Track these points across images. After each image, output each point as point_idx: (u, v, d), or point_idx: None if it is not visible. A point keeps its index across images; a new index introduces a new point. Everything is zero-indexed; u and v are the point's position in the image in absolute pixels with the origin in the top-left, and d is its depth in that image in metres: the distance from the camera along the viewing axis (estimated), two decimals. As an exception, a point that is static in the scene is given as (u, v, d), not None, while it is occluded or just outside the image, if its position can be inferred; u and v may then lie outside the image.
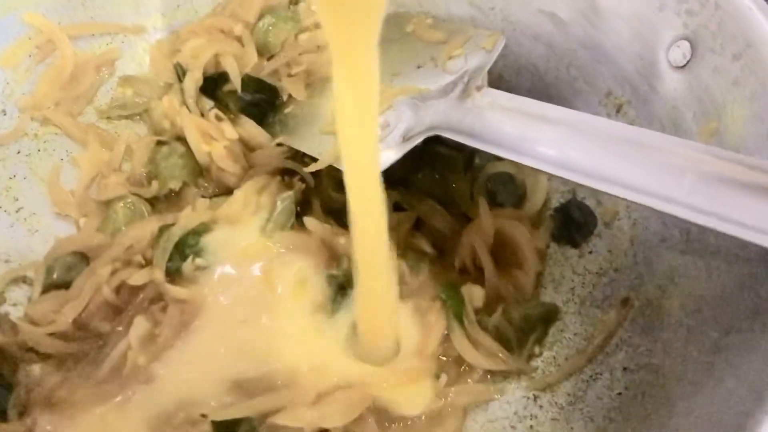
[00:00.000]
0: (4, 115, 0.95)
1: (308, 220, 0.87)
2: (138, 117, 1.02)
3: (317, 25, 1.01)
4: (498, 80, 0.99)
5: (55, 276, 0.86)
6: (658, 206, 0.65)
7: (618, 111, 0.87)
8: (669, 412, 0.63)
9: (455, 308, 0.81)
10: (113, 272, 0.83)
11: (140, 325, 0.78)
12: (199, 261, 0.84)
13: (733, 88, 0.73)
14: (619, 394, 0.72)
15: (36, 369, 0.80)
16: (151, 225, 0.87)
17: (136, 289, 0.82)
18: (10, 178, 0.94)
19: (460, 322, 0.80)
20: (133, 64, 1.05)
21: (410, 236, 0.88)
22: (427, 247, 0.88)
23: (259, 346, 0.79)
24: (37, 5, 0.96)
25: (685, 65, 0.78)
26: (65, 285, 0.85)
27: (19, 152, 0.95)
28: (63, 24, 0.99)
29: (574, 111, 0.76)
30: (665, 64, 0.81)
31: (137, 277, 0.81)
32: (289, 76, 0.99)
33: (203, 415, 0.72)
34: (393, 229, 0.85)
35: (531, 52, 0.96)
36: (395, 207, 0.90)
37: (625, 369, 0.74)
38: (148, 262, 0.84)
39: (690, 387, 0.63)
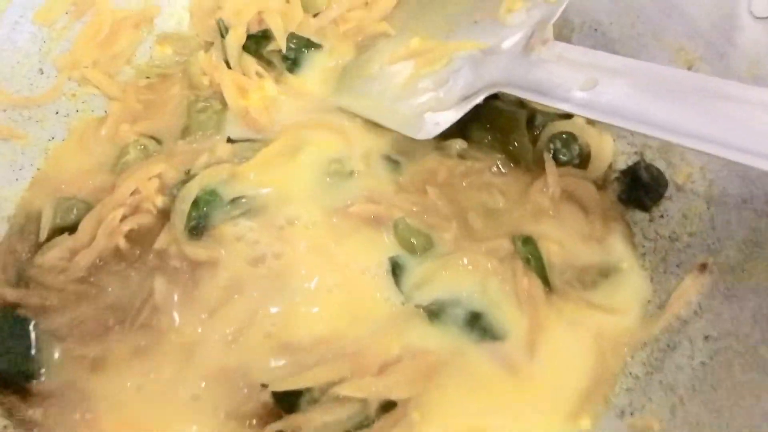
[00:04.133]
0: (42, 74, 0.92)
1: None
2: (180, 75, 0.97)
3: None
4: (557, 37, 0.93)
5: (58, 220, 0.82)
6: (738, 158, 0.60)
7: (690, 68, 0.82)
8: (764, 381, 0.59)
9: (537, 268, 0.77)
10: (122, 219, 0.78)
11: (162, 286, 0.75)
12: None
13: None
14: (703, 363, 0.68)
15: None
16: (158, 166, 0.82)
17: (149, 237, 0.79)
18: (49, 140, 0.90)
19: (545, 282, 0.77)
20: (172, 21, 1.01)
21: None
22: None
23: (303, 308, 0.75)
24: (73, -40, 0.92)
25: (771, 15, 0.73)
26: (68, 228, 0.81)
27: (57, 113, 0.92)
28: (100, -21, 0.95)
29: (649, 63, 0.72)
30: (746, 14, 0.76)
31: (159, 241, 0.77)
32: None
33: (264, 385, 0.69)
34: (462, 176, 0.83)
35: (595, 5, 0.91)
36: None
37: (706, 337, 0.69)
38: (159, 212, 0.80)
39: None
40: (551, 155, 0.85)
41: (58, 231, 0.81)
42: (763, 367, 0.61)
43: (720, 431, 0.61)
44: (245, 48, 0.94)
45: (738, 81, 0.75)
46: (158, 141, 0.90)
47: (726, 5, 0.77)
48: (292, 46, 0.94)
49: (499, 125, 0.86)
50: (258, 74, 0.92)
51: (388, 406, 0.68)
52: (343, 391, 0.67)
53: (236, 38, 0.92)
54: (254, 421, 0.69)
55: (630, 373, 0.72)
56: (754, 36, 0.75)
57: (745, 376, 0.62)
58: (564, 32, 0.93)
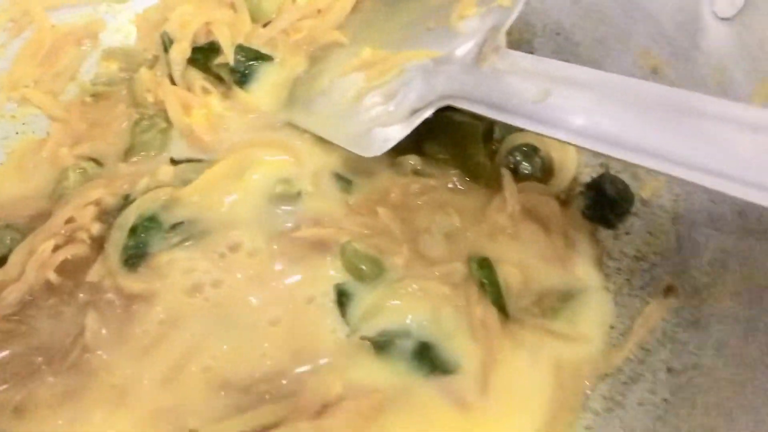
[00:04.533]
0: (-22, 95, 0.88)
1: None
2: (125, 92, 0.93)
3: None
4: (518, 42, 0.89)
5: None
6: (708, 183, 0.55)
7: (655, 72, 0.78)
8: (729, 427, 0.54)
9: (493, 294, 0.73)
10: (55, 249, 0.74)
11: (94, 323, 0.71)
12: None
13: (793, 41, 0.63)
14: (665, 400, 0.63)
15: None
16: (95, 191, 0.79)
17: (83, 269, 0.75)
18: (-14, 163, 0.86)
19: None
20: (118, 35, 0.98)
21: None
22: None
23: (245, 342, 0.71)
24: (9, -26, 0.89)
25: (734, 15, 0.68)
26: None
27: (-6, 135, 0.88)
28: (39, -7, 0.91)
29: (606, 73, 0.67)
30: (710, 15, 0.72)
31: (92, 273, 0.74)
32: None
33: (192, 431, 0.65)
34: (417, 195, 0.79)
35: (556, 8, 0.87)
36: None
37: (669, 370, 0.65)
38: (94, 241, 0.76)
39: (753, 397, 0.54)
40: (511, 169, 0.80)
41: (-13, 263, 0.77)
42: (724, 407, 0.56)
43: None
44: (192, 61, 0.89)
45: (704, 85, 0.71)
46: (99, 163, 0.86)
47: (690, 6, 0.74)
48: (241, 58, 0.89)
49: (456, 139, 0.82)
50: (203, 90, 0.89)
51: (325, 451, 0.64)
52: (276, 436, 0.63)
53: (180, 52, 0.88)
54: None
55: (590, 408, 0.68)
56: (718, 37, 0.71)
57: (707, 416, 0.58)
58: (525, 36, 0.89)
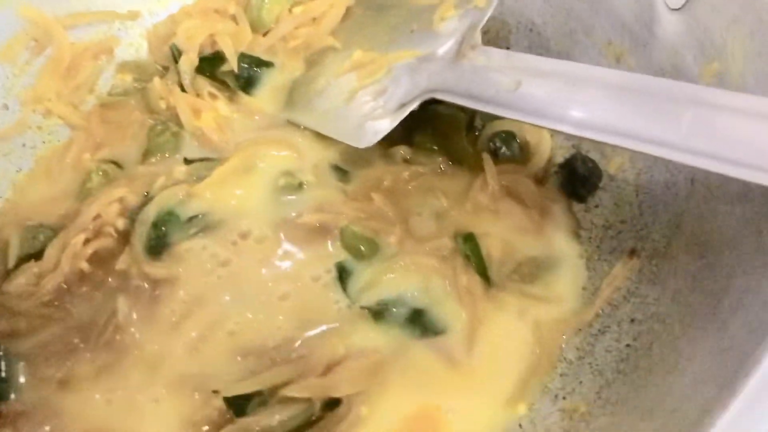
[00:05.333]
0: (6, 109, 0.96)
1: None
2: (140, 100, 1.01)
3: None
4: (495, 39, 0.97)
5: (25, 247, 0.86)
6: (659, 153, 0.63)
7: (618, 60, 0.85)
8: (675, 360, 0.62)
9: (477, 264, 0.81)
10: (85, 242, 0.82)
11: (124, 305, 0.79)
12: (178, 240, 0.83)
13: (732, 26, 0.71)
14: (627, 345, 0.71)
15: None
16: (118, 191, 0.86)
17: (111, 259, 0.83)
18: (17, 172, 0.95)
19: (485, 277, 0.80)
20: (131, 49, 1.05)
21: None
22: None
23: (259, 315, 0.79)
24: (32, -2, 0.96)
25: (682, 6, 0.76)
26: (35, 255, 0.84)
27: (24, 145, 0.96)
28: (58, 15, 0.99)
29: (569, 62, 0.75)
30: (662, 6, 0.79)
31: (120, 262, 0.82)
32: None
33: (215, 391, 0.73)
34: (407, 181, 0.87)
35: (528, 6, 0.94)
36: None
37: (632, 320, 0.73)
38: (120, 234, 0.84)
39: (695, 332, 0.62)
40: (492, 154, 0.88)
41: (25, 258, 0.85)
42: (673, 346, 0.64)
43: (635, 411, 0.63)
44: (199, 70, 0.97)
45: (662, 71, 0.79)
46: (119, 165, 0.94)
47: (644, -1, 0.81)
48: (245, 65, 0.97)
49: (441, 129, 0.90)
50: (211, 95, 0.96)
51: (332, 404, 0.72)
52: (288, 392, 0.71)
53: (188, 62, 0.96)
54: (207, 428, 0.73)
55: (565, 359, 0.76)
56: (671, 27, 0.78)
57: (661, 355, 0.65)
58: (502, 33, 0.97)
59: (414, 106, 0.83)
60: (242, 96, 0.97)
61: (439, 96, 0.82)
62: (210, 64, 0.98)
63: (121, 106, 1.01)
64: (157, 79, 0.97)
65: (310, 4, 1.01)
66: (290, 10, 1.01)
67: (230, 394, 0.72)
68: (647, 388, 0.63)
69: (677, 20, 0.78)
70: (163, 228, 0.83)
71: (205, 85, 0.97)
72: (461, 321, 0.77)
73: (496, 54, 0.80)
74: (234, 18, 1.01)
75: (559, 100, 0.71)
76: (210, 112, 0.94)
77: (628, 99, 0.67)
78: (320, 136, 0.91)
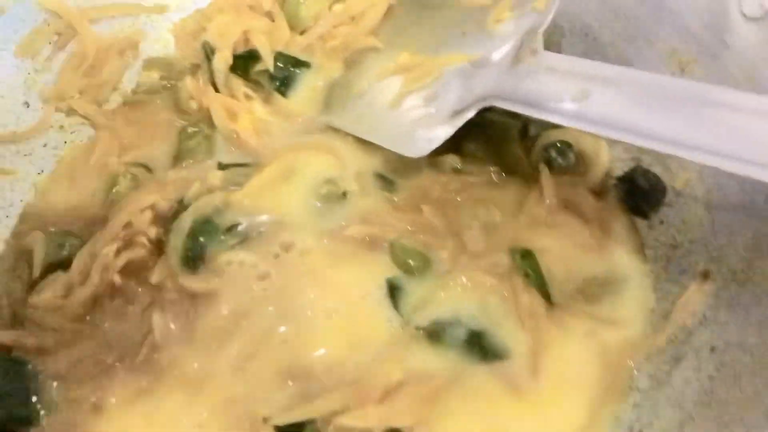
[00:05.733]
0: (28, 107, 0.91)
1: None
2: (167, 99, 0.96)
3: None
4: (546, 43, 0.92)
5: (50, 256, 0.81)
6: (738, 170, 0.59)
7: (683, 70, 0.81)
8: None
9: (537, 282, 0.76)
10: (116, 253, 0.77)
11: (161, 322, 0.74)
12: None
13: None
14: (710, 377, 0.67)
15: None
16: (150, 197, 0.81)
17: (144, 271, 0.78)
18: (38, 174, 0.89)
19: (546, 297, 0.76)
20: (157, 45, 1.01)
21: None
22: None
23: (304, 334, 0.74)
24: (54, -13, 0.91)
25: (762, 16, 0.72)
26: (61, 264, 0.80)
27: (45, 145, 0.91)
28: (81, 6, 0.95)
29: (639, 71, 0.71)
30: (737, 15, 0.75)
31: (155, 275, 0.77)
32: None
33: (265, 419, 0.68)
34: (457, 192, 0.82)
35: (584, 10, 0.90)
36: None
37: (712, 349, 0.68)
38: (153, 244, 0.79)
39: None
40: (547, 164, 0.84)
41: (50, 267, 0.80)
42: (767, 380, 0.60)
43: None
44: (232, 69, 0.92)
45: (734, 83, 0.75)
46: (149, 169, 0.89)
47: (717, 6, 0.76)
48: (280, 65, 0.92)
49: (492, 137, 0.86)
50: (246, 96, 0.91)
51: (392, 433, 0.67)
52: (346, 421, 0.66)
53: (223, 61, 0.91)
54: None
55: (637, 388, 0.71)
56: (747, 37, 0.74)
57: (753, 389, 0.61)
58: (554, 38, 0.92)
59: (471, 113, 0.79)
60: (278, 97, 0.92)
61: (498, 103, 0.78)
62: (243, 62, 0.93)
63: (146, 105, 0.97)
64: (189, 78, 0.92)
65: (351, 1, 0.96)
66: (330, 8, 0.96)
67: (282, 422, 0.67)
68: (737, 426, 0.59)
69: (754, 30, 0.73)
70: (200, 238, 0.78)
71: (240, 85, 0.92)
72: (524, 344, 0.72)
73: (562, 60, 0.76)
74: (269, 14, 0.96)
75: (628, 110, 0.67)
76: (246, 115, 0.89)
77: (704, 111, 0.63)
78: (362, 143, 0.86)
